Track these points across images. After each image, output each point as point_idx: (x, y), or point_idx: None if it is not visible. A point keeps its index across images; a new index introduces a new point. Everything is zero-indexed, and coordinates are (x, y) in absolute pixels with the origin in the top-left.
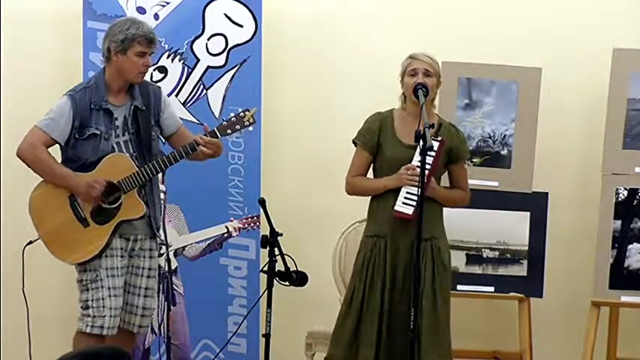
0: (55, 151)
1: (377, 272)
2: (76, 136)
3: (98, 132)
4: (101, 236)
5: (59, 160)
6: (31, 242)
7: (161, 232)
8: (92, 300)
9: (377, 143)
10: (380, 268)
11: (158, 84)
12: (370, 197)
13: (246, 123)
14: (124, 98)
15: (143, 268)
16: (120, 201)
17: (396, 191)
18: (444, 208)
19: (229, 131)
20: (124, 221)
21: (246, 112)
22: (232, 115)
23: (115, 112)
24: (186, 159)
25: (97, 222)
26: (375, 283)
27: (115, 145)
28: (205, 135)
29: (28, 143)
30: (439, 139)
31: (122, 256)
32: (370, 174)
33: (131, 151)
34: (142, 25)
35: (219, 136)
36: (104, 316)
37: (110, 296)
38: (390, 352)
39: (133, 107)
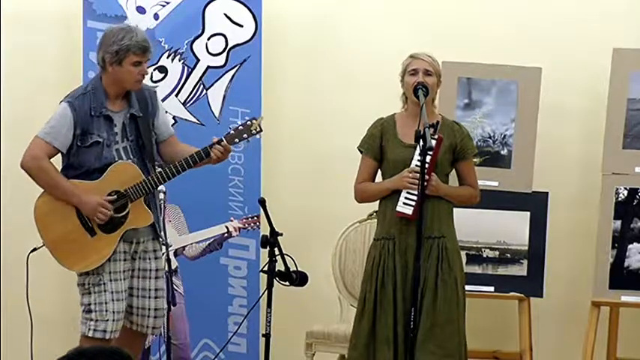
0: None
1: (387, 273)
2: (79, 143)
3: (100, 139)
4: (108, 245)
5: (60, 167)
6: (35, 249)
7: (162, 232)
8: (95, 304)
9: (380, 148)
10: (390, 268)
11: (158, 84)
12: (378, 201)
13: (254, 131)
14: (122, 104)
15: (150, 270)
16: (127, 209)
17: (400, 193)
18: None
19: (237, 140)
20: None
21: (253, 121)
22: (239, 123)
23: (114, 119)
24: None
25: (104, 230)
26: (386, 283)
27: (115, 152)
28: (213, 144)
29: (31, 155)
30: (436, 136)
31: (125, 260)
32: (379, 179)
33: (131, 157)
34: (135, 34)
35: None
36: (107, 320)
37: (113, 300)
38: (408, 350)
39: (129, 115)
